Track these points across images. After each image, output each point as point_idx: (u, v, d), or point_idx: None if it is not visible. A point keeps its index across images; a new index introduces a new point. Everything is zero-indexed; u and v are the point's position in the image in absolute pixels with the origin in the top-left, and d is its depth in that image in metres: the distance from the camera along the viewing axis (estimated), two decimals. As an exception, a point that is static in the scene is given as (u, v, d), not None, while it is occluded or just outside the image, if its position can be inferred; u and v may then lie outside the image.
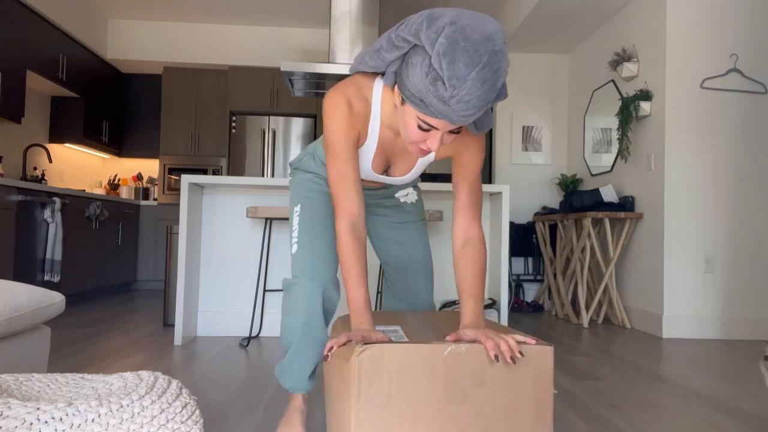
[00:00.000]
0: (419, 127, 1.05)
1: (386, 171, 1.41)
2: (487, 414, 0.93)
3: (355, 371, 0.91)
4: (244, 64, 5.90)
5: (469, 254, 1.22)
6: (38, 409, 0.81)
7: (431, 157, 1.36)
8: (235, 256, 3.43)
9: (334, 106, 1.20)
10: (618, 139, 4.15)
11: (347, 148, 1.20)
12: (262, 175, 5.85)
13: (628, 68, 4.10)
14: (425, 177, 3.76)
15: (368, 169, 1.36)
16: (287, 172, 6.10)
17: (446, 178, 3.72)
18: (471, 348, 0.96)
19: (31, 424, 0.79)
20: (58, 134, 5.39)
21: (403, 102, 1.07)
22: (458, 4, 5.28)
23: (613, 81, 4.47)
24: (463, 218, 1.26)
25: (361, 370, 0.91)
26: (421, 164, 1.42)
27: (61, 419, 0.80)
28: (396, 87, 1.08)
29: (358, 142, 1.27)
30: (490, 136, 6.11)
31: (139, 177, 6.28)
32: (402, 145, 1.34)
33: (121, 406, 0.85)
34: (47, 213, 4.06)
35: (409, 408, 0.92)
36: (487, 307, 3.50)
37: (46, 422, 0.79)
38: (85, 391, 0.99)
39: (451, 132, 1.06)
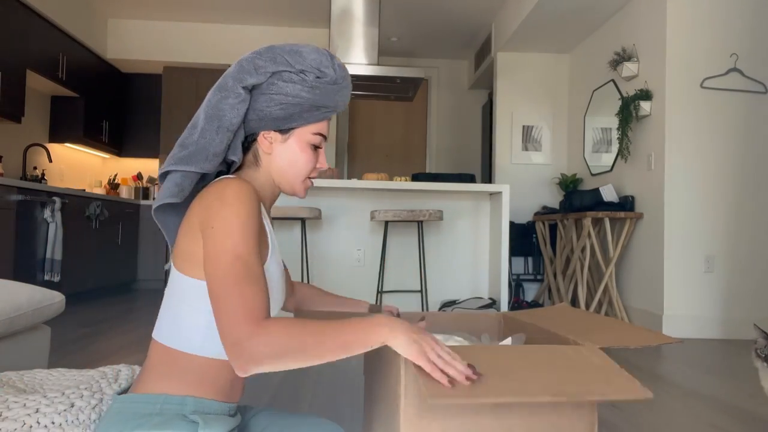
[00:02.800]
0: (315, 146, 1.01)
1: None
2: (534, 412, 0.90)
3: (402, 374, 0.85)
4: (244, 64, 5.90)
5: (304, 286, 1.26)
6: (38, 411, 0.81)
7: None
8: (235, 256, 3.42)
9: (243, 191, 0.87)
10: (618, 138, 4.15)
11: (256, 248, 0.85)
12: (262, 175, 5.84)
13: (628, 68, 4.09)
14: (425, 176, 3.76)
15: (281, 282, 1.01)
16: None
17: (446, 177, 3.72)
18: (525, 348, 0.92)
19: (30, 427, 0.79)
20: (58, 134, 5.39)
21: (285, 138, 0.98)
22: (458, 4, 5.27)
23: (613, 80, 4.47)
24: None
25: (408, 373, 0.85)
26: None
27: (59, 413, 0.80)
28: (263, 135, 0.98)
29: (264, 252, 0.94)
30: (489, 136, 6.11)
31: (139, 177, 6.28)
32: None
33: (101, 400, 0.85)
34: (47, 213, 4.06)
35: (456, 411, 0.87)
36: (487, 306, 3.50)
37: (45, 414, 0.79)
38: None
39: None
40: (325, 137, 1.01)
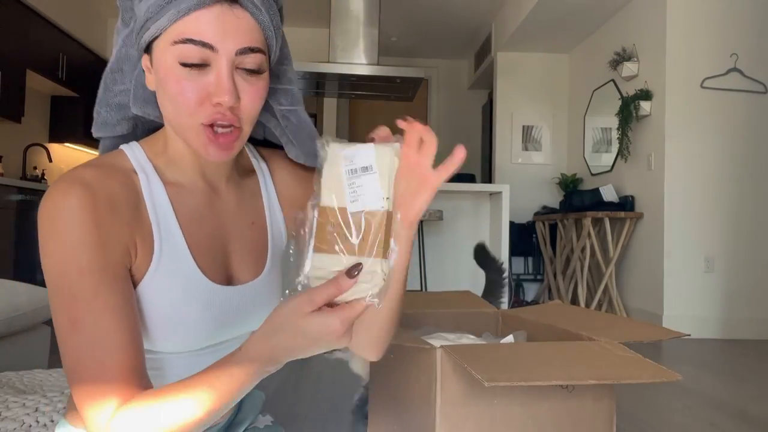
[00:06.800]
0: (184, 64, 0.58)
1: (229, 278, 0.72)
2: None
3: (437, 369, 0.87)
4: (244, 64, 5.90)
5: None
6: (36, 410, 0.81)
7: (281, 232, 0.77)
8: (235, 256, 3.42)
9: (62, 208, 0.58)
10: (618, 138, 4.14)
11: (102, 280, 0.58)
12: (262, 175, 5.84)
13: (628, 68, 4.09)
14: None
15: (203, 288, 0.67)
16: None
17: (446, 177, 3.70)
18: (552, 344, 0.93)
19: (30, 426, 0.79)
20: (58, 134, 5.38)
21: (147, 52, 0.63)
22: (458, 4, 5.27)
23: (613, 80, 4.47)
24: None
25: (443, 369, 0.87)
26: (275, 244, 0.76)
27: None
28: (143, 61, 0.65)
29: (132, 260, 0.63)
30: (489, 136, 6.11)
31: (139, 176, 6.28)
32: (220, 205, 0.72)
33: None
34: (47, 212, 4.06)
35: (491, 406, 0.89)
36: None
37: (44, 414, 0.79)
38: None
39: (250, 71, 0.61)
40: (204, 43, 0.57)
